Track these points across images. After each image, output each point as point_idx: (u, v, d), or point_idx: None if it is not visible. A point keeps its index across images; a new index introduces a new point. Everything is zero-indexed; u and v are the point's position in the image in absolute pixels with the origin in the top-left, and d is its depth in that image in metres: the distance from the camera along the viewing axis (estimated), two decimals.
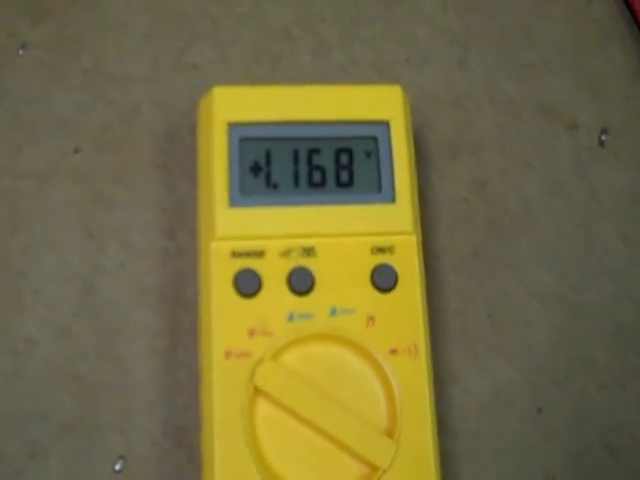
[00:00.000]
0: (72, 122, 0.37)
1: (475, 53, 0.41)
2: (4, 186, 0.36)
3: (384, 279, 0.32)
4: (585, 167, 0.40)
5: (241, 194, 0.33)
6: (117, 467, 0.34)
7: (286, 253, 0.32)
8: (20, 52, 0.38)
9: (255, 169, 0.33)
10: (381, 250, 0.33)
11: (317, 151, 0.34)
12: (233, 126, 0.33)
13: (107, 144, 0.37)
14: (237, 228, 0.32)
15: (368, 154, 0.34)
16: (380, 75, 0.40)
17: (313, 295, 0.32)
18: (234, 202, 0.33)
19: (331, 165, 0.34)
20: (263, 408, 0.31)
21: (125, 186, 0.37)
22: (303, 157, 0.34)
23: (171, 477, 0.34)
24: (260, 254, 0.32)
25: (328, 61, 0.40)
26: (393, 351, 0.32)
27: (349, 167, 0.34)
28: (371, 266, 0.33)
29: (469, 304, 0.37)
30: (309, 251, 0.32)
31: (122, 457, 0.34)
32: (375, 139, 0.34)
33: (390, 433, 0.31)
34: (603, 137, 0.40)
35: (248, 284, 0.32)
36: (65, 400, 0.34)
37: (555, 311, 0.37)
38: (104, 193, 0.37)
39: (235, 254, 0.32)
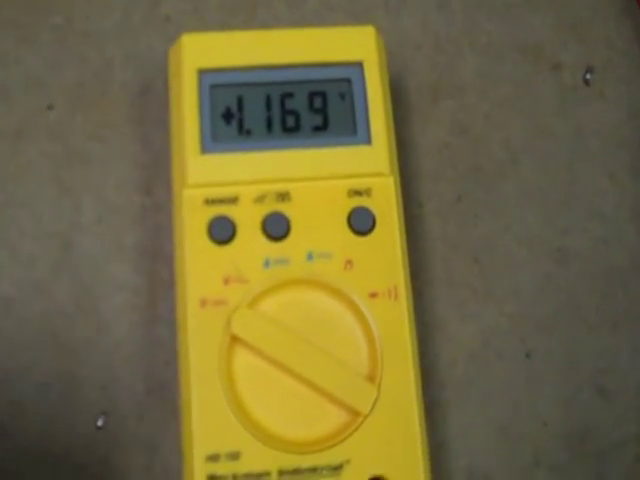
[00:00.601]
0: (44, 80, 0.37)
1: None
2: None
3: (361, 222, 0.32)
4: (570, 108, 0.39)
5: (213, 141, 0.32)
6: (99, 423, 0.34)
7: (260, 199, 0.32)
8: None
9: (227, 115, 0.33)
10: (357, 193, 0.32)
11: (290, 95, 0.33)
12: (203, 73, 0.33)
13: (81, 100, 0.37)
14: (209, 175, 0.32)
15: (342, 96, 0.33)
16: (357, 20, 0.39)
17: (289, 240, 0.31)
18: (206, 149, 0.32)
19: (305, 109, 0.33)
20: (241, 356, 0.31)
21: (100, 142, 0.36)
22: (276, 102, 0.33)
23: (154, 432, 0.34)
24: (233, 200, 0.32)
25: (304, 9, 0.39)
26: (373, 295, 0.31)
27: (323, 110, 0.33)
28: (348, 209, 0.32)
29: (454, 250, 0.37)
30: (284, 196, 0.32)
31: (104, 413, 0.34)
32: (349, 81, 0.33)
33: (371, 378, 0.31)
34: (588, 76, 0.39)
35: (222, 231, 0.31)
36: (44, 358, 0.34)
37: (542, 255, 0.37)
38: (79, 149, 0.36)
39: (208, 201, 0.31)
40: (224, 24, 0.38)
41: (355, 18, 0.39)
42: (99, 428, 0.34)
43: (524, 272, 0.37)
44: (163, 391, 0.34)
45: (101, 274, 0.35)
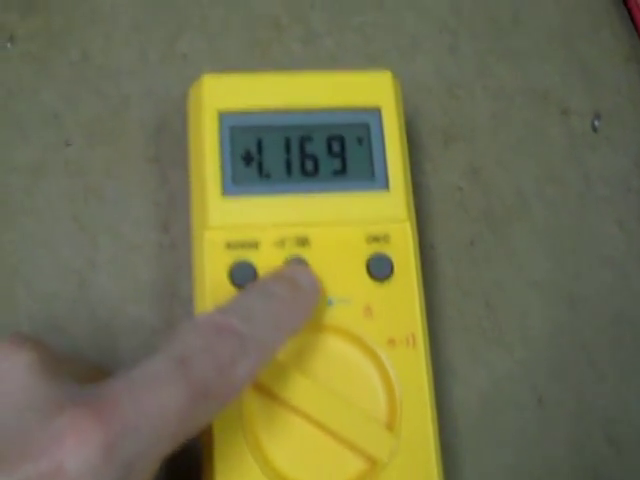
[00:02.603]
0: (62, 115, 0.36)
1: (466, 39, 0.39)
2: None
3: (380, 268, 0.31)
4: (579, 153, 0.38)
5: (233, 183, 0.32)
6: None
7: (280, 243, 0.31)
8: (8, 45, 0.37)
9: (247, 158, 0.32)
10: (376, 239, 0.32)
11: (309, 139, 0.33)
12: (223, 114, 0.32)
13: (98, 137, 0.36)
14: (230, 218, 0.31)
15: (360, 141, 0.33)
16: (371, 63, 0.38)
17: None
18: (227, 191, 0.32)
19: (323, 153, 0.32)
20: (260, 401, 0.30)
21: (117, 179, 0.36)
22: (295, 145, 0.32)
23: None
24: (254, 245, 0.31)
25: (318, 49, 0.38)
26: (391, 341, 0.31)
27: (341, 155, 0.32)
28: (366, 255, 0.31)
29: (466, 294, 0.36)
30: (303, 241, 0.31)
31: None
32: (367, 126, 0.33)
33: (390, 426, 0.30)
34: (596, 122, 0.39)
35: (244, 276, 0.31)
36: None
37: (553, 300, 0.36)
38: (96, 186, 0.36)
39: (230, 246, 0.31)
40: (240, 62, 0.38)
41: (369, 60, 0.39)
42: None
43: (535, 317, 0.36)
44: None
45: (118, 312, 0.34)
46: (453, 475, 0.33)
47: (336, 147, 0.33)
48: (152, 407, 0.23)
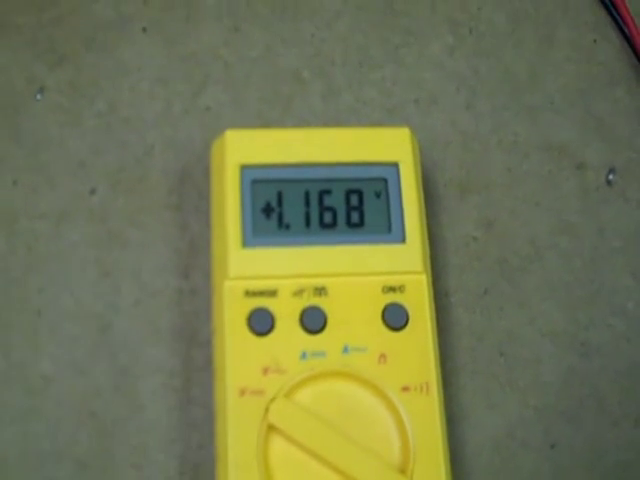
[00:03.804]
0: (88, 164, 0.38)
1: (482, 95, 0.41)
2: (22, 227, 0.37)
3: (395, 318, 0.33)
4: (593, 206, 0.40)
5: (254, 235, 0.33)
6: None
7: (298, 292, 0.33)
8: (38, 96, 0.39)
9: (267, 210, 0.34)
10: (392, 289, 0.33)
11: (328, 192, 0.34)
12: (245, 168, 0.34)
13: (122, 185, 0.38)
14: (250, 268, 0.33)
15: (378, 195, 0.34)
16: (389, 117, 0.40)
17: (325, 334, 0.32)
18: (247, 242, 0.33)
19: (342, 206, 0.34)
20: (277, 445, 0.31)
21: (139, 226, 0.37)
22: (314, 198, 0.34)
23: None
24: (273, 293, 0.33)
25: (338, 103, 0.40)
26: (405, 389, 0.32)
27: (359, 208, 0.34)
28: (382, 305, 0.33)
29: (480, 342, 0.37)
30: (321, 290, 0.33)
31: None
32: (385, 180, 0.34)
33: (403, 470, 0.31)
34: (610, 177, 0.40)
35: (262, 323, 0.32)
36: (81, 438, 0.34)
37: (566, 349, 0.37)
38: (119, 233, 0.37)
39: (248, 293, 0.32)
40: (261, 115, 0.40)
41: (387, 113, 0.40)
42: None
43: (548, 365, 0.37)
44: (197, 474, 0.34)
45: (137, 356, 0.36)
46: None
47: (354, 200, 0.34)
48: None
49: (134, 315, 0.36)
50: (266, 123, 0.39)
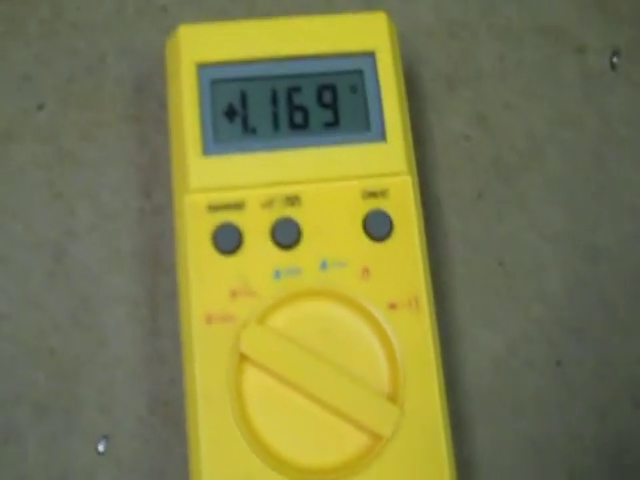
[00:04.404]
0: (33, 77, 0.36)
1: None
2: None
3: (378, 226, 0.30)
4: (596, 93, 0.37)
5: (215, 141, 0.31)
6: (100, 448, 0.32)
7: (268, 203, 0.30)
8: None
9: (230, 113, 0.31)
10: (373, 194, 0.31)
11: (297, 89, 0.31)
12: (203, 67, 0.31)
13: (72, 98, 0.35)
14: (213, 179, 0.30)
15: (354, 89, 0.32)
16: (365, 4, 0.37)
17: (300, 248, 0.30)
18: (208, 150, 0.31)
19: (314, 104, 0.31)
20: (250, 376, 0.29)
21: (94, 142, 0.35)
22: (282, 97, 0.31)
23: (159, 456, 0.32)
24: (239, 206, 0.30)
25: None
26: (392, 306, 0.30)
27: (333, 105, 0.31)
28: (363, 213, 0.30)
29: (476, 251, 0.35)
30: (293, 200, 0.30)
31: (105, 437, 0.32)
32: (360, 72, 0.32)
33: (393, 397, 0.29)
34: (614, 59, 0.38)
35: (228, 240, 0.30)
36: (39, 378, 0.32)
37: (570, 254, 0.35)
38: (71, 151, 0.35)
39: (212, 208, 0.30)
40: (224, 13, 0.37)
41: (364, 2, 0.37)
42: (100, 453, 0.32)
43: (551, 273, 0.35)
44: (168, 411, 0.32)
45: (98, 285, 0.34)
46: (464, 446, 0.33)
47: (327, 97, 0.31)
48: None
49: (92, 240, 0.34)
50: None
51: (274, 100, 0.31)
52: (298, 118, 0.31)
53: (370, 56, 0.32)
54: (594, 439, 0.33)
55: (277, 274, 0.30)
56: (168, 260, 0.33)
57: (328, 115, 0.31)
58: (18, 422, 0.32)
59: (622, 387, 0.34)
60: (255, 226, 0.30)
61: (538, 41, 0.37)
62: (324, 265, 0.30)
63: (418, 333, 0.30)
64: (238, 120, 0.31)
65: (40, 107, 0.35)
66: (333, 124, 0.31)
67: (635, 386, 0.34)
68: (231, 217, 0.30)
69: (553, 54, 0.37)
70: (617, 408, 0.34)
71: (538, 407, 0.33)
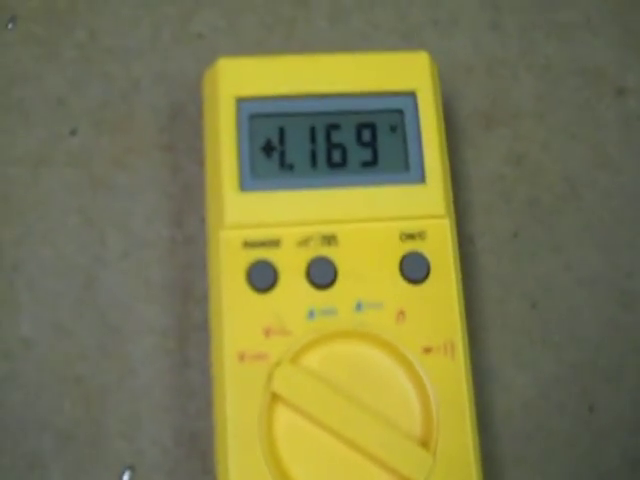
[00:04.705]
0: (67, 101, 0.35)
1: (508, 13, 0.38)
2: None
3: (415, 269, 0.30)
4: (636, 137, 0.37)
5: (252, 177, 0.31)
6: (125, 478, 0.32)
7: (304, 242, 0.30)
8: (9, 26, 0.36)
9: (267, 149, 0.31)
10: (410, 236, 0.30)
11: (336, 127, 0.31)
12: (242, 101, 0.31)
13: (106, 124, 0.35)
14: (249, 215, 0.30)
15: (393, 129, 0.31)
16: (405, 41, 0.37)
17: (336, 288, 0.30)
18: (245, 186, 0.30)
19: (352, 142, 0.31)
20: (282, 416, 0.29)
21: (127, 169, 0.35)
22: (321, 134, 0.31)
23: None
24: (275, 243, 0.30)
25: (347, 27, 0.37)
26: (427, 350, 0.29)
27: (372, 144, 0.31)
28: (400, 255, 0.30)
29: (510, 292, 0.35)
30: (330, 239, 0.30)
31: (130, 467, 0.32)
32: (401, 112, 0.32)
33: (425, 443, 0.29)
34: None
35: (263, 277, 0.30)
36: (65, 406, 0.32)
37: (606, 299, 0.35)
38: (104, 177, 0.35)
39: (247, 244, 0.30)
40: (261, 43, 0.37)
41: (402, 37, 0.37)
42: None
43: (586, 317, 0.35)
44: (194, 443, 0.32)
45: (127, 314, 0.33)
46: None
47: (366, 136, 0.31)
48: None
49: (122, 268, 0.34)
50: (266, 51, 0.36)
51: (312, 137, 0.31)
52: (336, 156, 0.31)
53: (411, 96, 0.32)
54: None
55: (312, 314, 0.30)
56: (198, 291, 0.33)
57: (367, 154, 0.31)
58: (43, 450, 0.32)
59: None
60: (290, 264, 0.30)
61: (577, 82, 0.37)
62: (359, 306, 0.30)
63: (453, 379, 0.29)
64: (276, 156, 0.31)
65: (73, 132, 0.35)
66: (372, 163, 0.31)
67: None
68: (266, 255, 0.30)
69: (592, 95, 0.37)
70: None
71: (569, 452, 0.33)
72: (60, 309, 0.33)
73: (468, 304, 0.32)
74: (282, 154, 0.31)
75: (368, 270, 0.30)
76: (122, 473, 0.32)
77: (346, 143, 0.31)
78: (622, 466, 0.33)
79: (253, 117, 0.31)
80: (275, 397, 0.29)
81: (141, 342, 0.33)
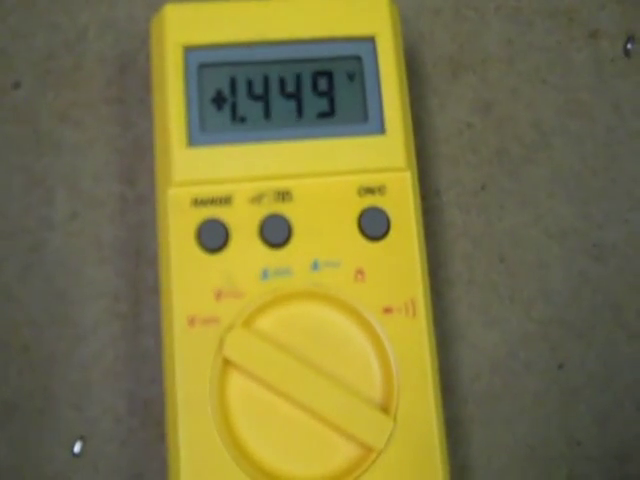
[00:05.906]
0: (9, 52, 0.35)
1: None
2: None
3: (374, 225, 0.30)
4: (609, 82, 0.36)
5: (202, 130, 0.30)
6: (76, 449, 0.32)
7: (257, 199, 0.30)
8: None
9: (218, 100, 0.30)
10: (369, 191, 0.30)
11: (290, 76, 0.31)
12: (190, 50, 0.30)
13: (51, 76, 0.35)
14: (198, 171, 0.29)
15: (351, 77, 0.31)
16: None
17: (290, 247, 0.29)
18: (194, 140, 0.30)
19: (308, 92, 0.31)
20: (235, 382, 0.28)
21: (74, 124, 0.34)
22: (274, 84, 0.31)
23: (138, 458, 0.32)
24: (226, 201, 0.29)
25: None
26: (387, 310, 0.29)
27: (329, 93, 0.31)
28: (358, 210, 0.30)
29: (477, 246, 0.34)
30: (284, 195, 0.30)
31: (81, 438, 0.32)
32: (359, 58, 0.31)
33: (386, 408, 0.29)
34: (629, 46, 0.37)
35: (213, 237, 0.29)
36: (12, 374, 0.32)
37: (576, 252, 0.35)
38: (49, 133, 0.34)
39: (197, 202, 0.29)
40: None
41: None
42: (76, 455, 0.32)
43: (556, 271, 0.34)
44: (148, 412, 0.32)
45: (76, 277, 0.33)
46: (460, 452, 0.32)
47: (322, 85, 0.31)
48: None
49: (71, 230, 0.33)
50: None
51: (266, 87, 0.31)
52: (291, 107, 0.30)
53: (370, 41, 0.31)
54: (595, 445, 0.33)
55: (265, 274, 0.29)
56: (152, 252, 0.33)
57: (323, 104, 0.31)
58: None
59: (626, 392, 0.34)
60: (242, 223, 0.29)
61: (549, 25, 0.37)
62: (315, 265, 0.29)
63: (414, 340, 0.29)
64: (226, 108, 0.30)
65: (16, 85, 0.34)
66: (328, 114, 0.31)
67: None
68: (217, 213, 0.29)
69: (564, 38, 0.37)
70: (620, 414, 0.33)
71: (538, 411, 0.33)
72: (5, 274, 0.33)
73: (434, 259, 0.32)
74: (233, 106, 0.30)
75: (324, 227, 0.30)
76: (73, 444, 0.32)
77: (301, 93, 0.31)
78: (592, 424, 0.33)
79: (202, 67, 0.30)
80: (227, 363, 0.28)
81: (91, 307, 0.33)
